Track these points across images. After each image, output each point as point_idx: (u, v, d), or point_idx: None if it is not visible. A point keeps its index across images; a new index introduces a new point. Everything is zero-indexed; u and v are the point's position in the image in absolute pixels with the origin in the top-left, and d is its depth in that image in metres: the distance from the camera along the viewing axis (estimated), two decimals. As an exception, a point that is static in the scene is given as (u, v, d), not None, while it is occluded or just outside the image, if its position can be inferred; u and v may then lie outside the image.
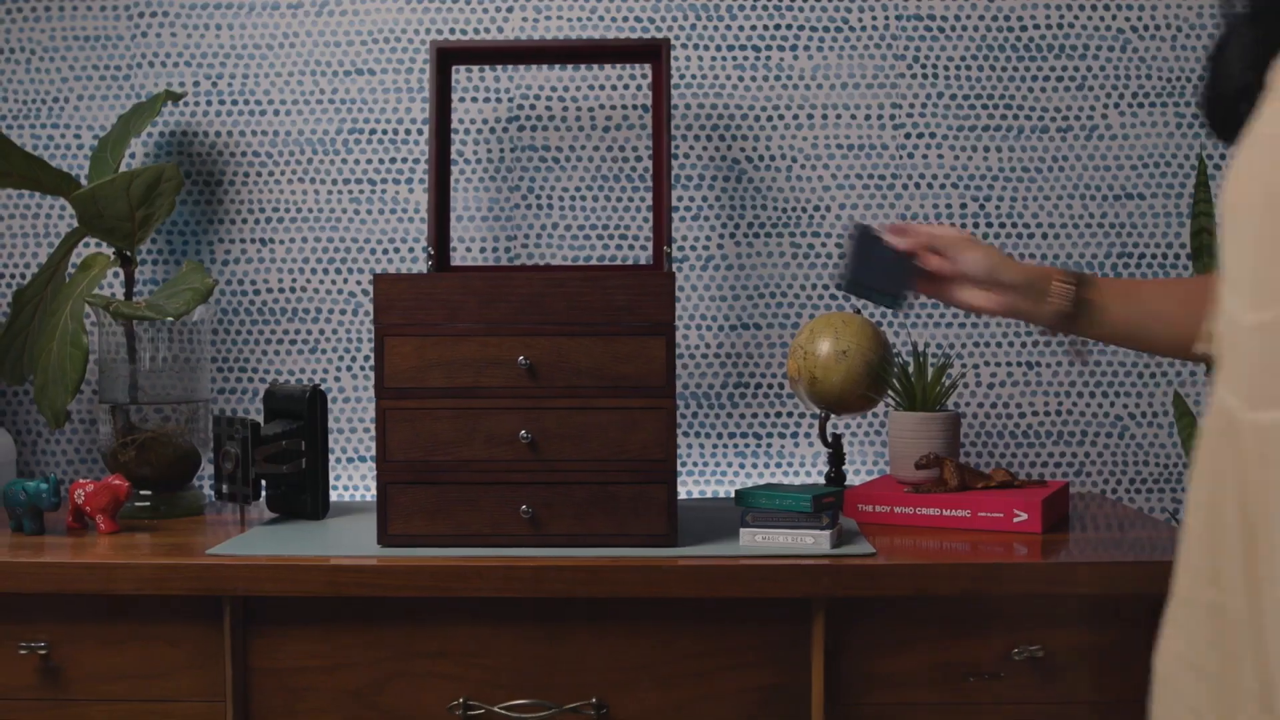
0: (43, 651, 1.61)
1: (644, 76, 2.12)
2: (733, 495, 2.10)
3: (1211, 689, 1.15)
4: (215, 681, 1.61)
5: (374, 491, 2.14)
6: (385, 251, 2.14)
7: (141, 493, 1.92)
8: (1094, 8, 2.12)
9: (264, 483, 1.87)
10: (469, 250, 2.13)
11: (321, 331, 2.15)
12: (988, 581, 1.55)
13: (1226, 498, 1.15)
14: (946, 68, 2.12)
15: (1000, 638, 1.58)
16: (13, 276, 2.16)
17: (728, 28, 2.12)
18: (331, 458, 2.12)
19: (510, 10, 2.13)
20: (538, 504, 1.65)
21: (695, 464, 2.13)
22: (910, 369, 1.92)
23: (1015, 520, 1.73)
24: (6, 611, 1.62)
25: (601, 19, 2.13)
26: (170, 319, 1.86)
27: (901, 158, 2.13)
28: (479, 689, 1.61)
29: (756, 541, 1.65)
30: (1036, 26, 2.12)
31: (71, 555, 1.64)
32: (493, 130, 2.13)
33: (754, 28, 2.12)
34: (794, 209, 2.13)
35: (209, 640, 1.61)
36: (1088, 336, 1.44)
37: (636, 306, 1.64)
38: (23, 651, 1.61)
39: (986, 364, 2.13)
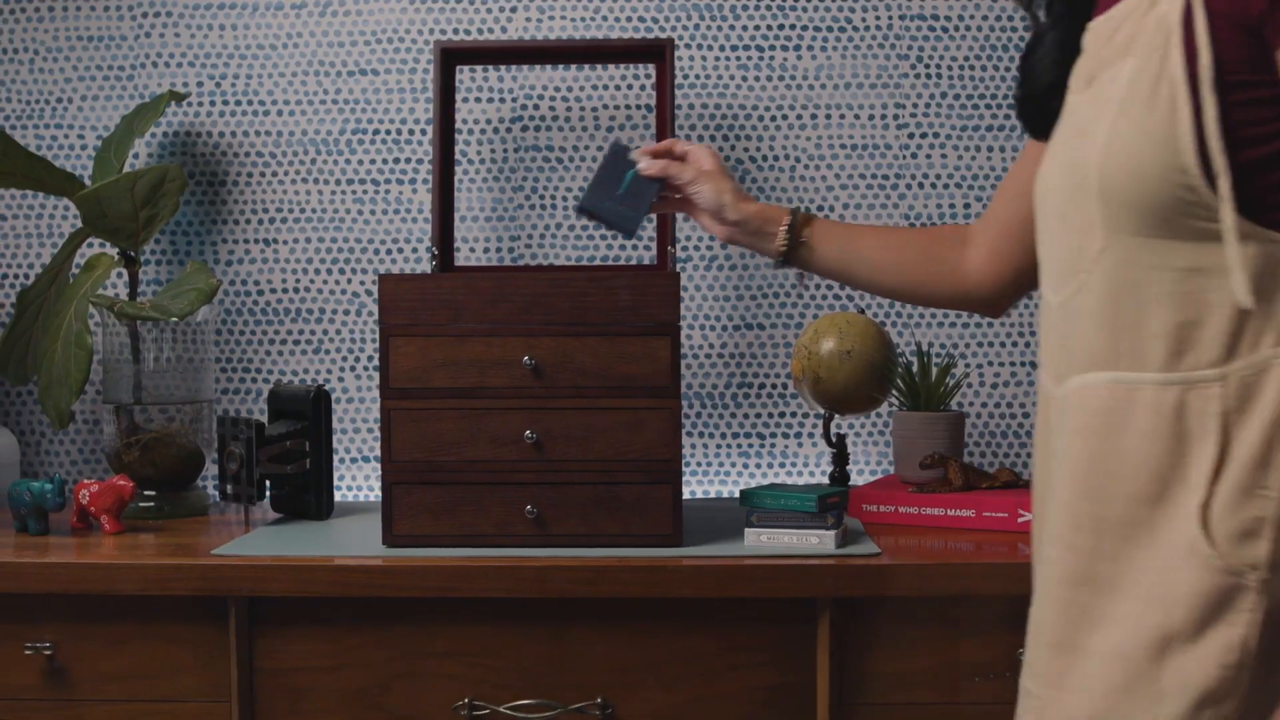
0: (48, 652, 1.61)
1: (648, 77, 2.12)
2: (736, 495, 2.10)
3: (1030, 638, 1.22)
4: (220, 682, 1.61)
5: (378, 492, 2.14)
6: (389, 252, 2.14)
7: (145, 493, 1.92)
8: (1098, 7, 2.12)
9: (268, 483, 1.87)
10: (472, 250, 2.13)
11: (325, 332, 2.15)
12: (993, 581, 1.55)
13: (1040, 465, 1.23)
14: (950, 68, 2.12)
15: (1005, 638, 1.58)
16: (16, 277, 2.16)
17: (731, 28, 2.12)
18: (335, 458, 2.12)
19: (514, 10, 2.13)
20: (543, 504, 1.65)
21: (699, 464, 2.13)
22: (914, 369, 1.92)
23: (1020, 520, 1.73)
24: (12, 612, 1.62)
25: (605, 19, 2.13)
26: (175, 319, 1.86)
27: (905, 158, 2.13)
28: (484, 689, 1.61)
29: (762, 542, 1.65)
30: (1040, 26, 2.12)
31: (77, 556, 1.64)
32: (496, 130, 2.13)
33: (757, 28, 2.12)
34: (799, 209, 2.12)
35: (214, 640, 1.61)
36: (807, 270, 1.56)
37: (641, 306, 1.64)
38: (28, 652, 1.61)
39: (990, 364, 2.13)
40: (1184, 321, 1.07)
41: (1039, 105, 1.27)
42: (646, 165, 1.55)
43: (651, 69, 2.11)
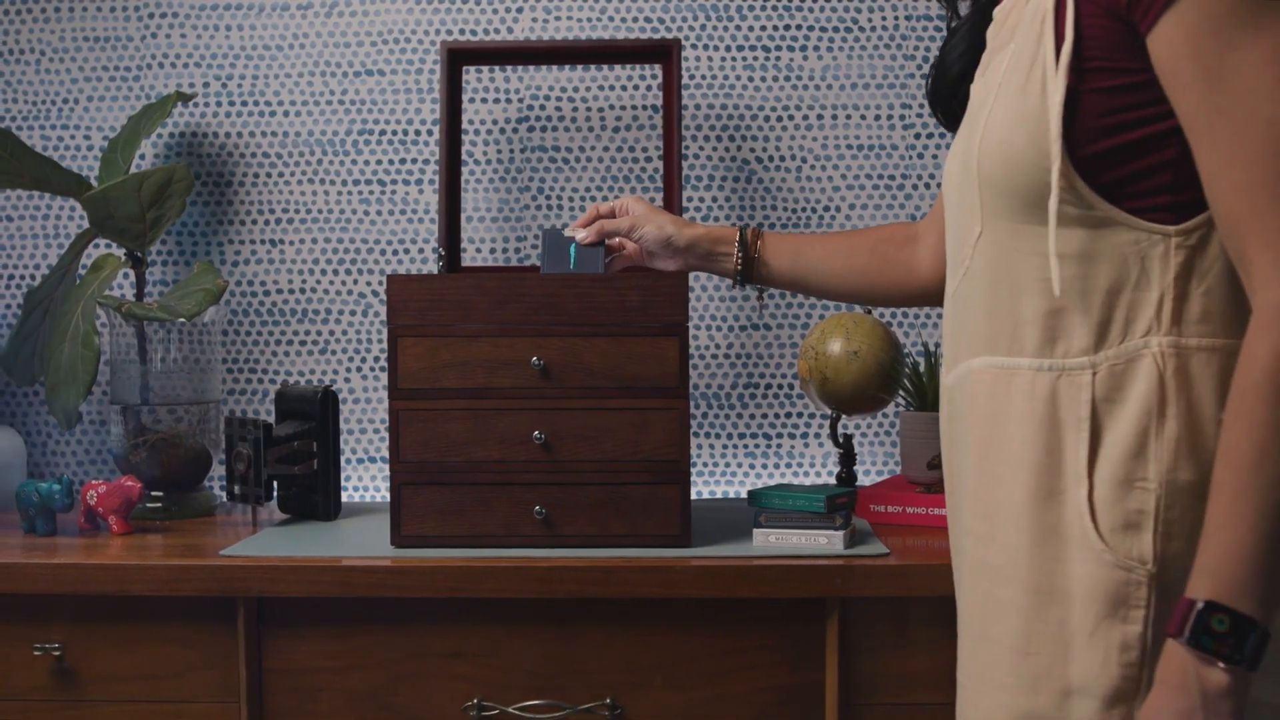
0: (56, 653, 1.61)
1: (654, 77, 2.12)
2: (742, 495, 2.10)
3: (959, 629, 1.23)
4: (229, 682, 1.61)
5: (384, 492, 2.14)
6: (395, 252, 2.14)
7: (152, 494, 1.92)
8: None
9: (276, 484, 1.87)
10: (479, 251, 2.13)
11: (331, 332, 2.15)
12: (1002, 582, 1.55)
13: (945, 454, 1.25)
14: (956, 68, 2.12)
15: (1014, 638, 1.57)
16: (21, 278, 2.16)
17: (737, 28, 2.12)
18: (341, 458, 2.12)
19: (520, 11, 2.13)
20: (551, 505, 1.65)
21: (705, 464, 2.13)
22: (921, 369, 1.92)
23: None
24: (21, 613, 1.62)
25: (611, 19, 2.13)
26: (182, 320, 1.86)
27: (911, 158, 2.13)
28: (493, 690, 1.61)
29: (770, 542, 1.65)
30: (1046, 26, 2.12)
31: (85, 556, 1.64)
32: (502, 131, 2.13)
33: (764, 28, 2.12)
34: (804, 209, 2.13)
35: (222, 641, 1.61)
36: (763, 285, 1.61)
37: (650, 307, 1.64)
38: (37, 653, 1.61)
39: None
40: (1052, 308, 1.08)
41: (947, 96, 1.28)
42: (583, 235, 1.64)
43: (658, 69, 2.11)
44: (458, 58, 1.98)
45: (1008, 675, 1.09)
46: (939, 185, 2.12)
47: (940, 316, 2.12)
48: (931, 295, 1.51)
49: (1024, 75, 1.07)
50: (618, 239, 1.65)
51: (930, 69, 1.32)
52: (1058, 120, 1.03)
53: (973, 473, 1.14)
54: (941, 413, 1.25)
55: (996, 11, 1.18)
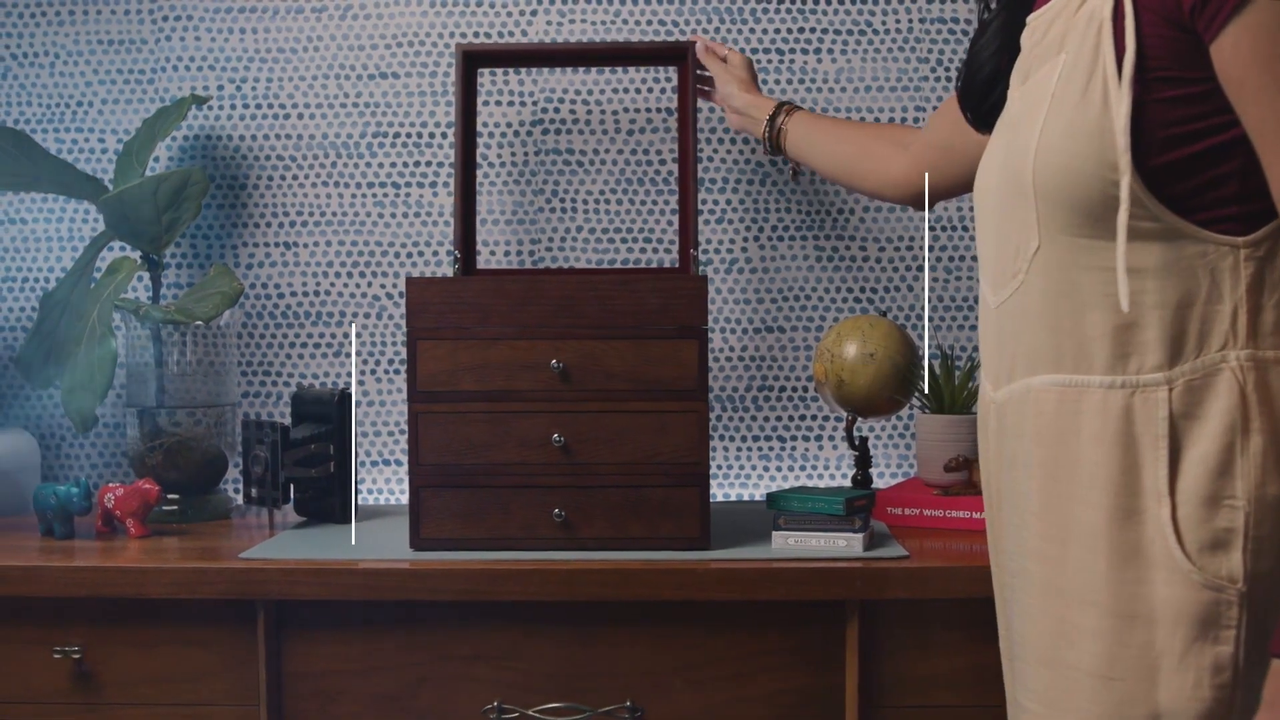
0: (76, 656, 1.61)
1: (668, 80, 2.12)
2: (757, 498, 2.10)
3: (1003, 651, 1.26)
4: (248, 685, 1.61)
5: (400, 495, 2.14)
6: (410, 255, 2.14)
7: (168, 496, 1.92)
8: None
9: (292, 486, 1.87)
10: (493, 254, 2.13)
11: (346, 335, 2.15)
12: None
13: (990, 471, 1.23)
14: (970, 71, 2.12)
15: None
16: (36, 280, 2.16)
17: (751, 30, 2.12)
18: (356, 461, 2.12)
19: (534, 14, 2.13)
20: (570, 507, 1.65)
21: (720, 467, 2.13)
22: (938, 372, 1.92)
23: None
24: (40, 616, 1.62)
25: (625, 22, 2.13)
26: (199, 322, 1.86)
27: (925, 161, 2.12)
28: (513, 692, 1.61)
29: (789, 544, 1.65)
30: (1060, 29, 2.12)
31: (104, 559, 1.64)
32: (516, 134, 2.14)
33: (778, 31, 2.12)
34: (818, 212, 2.13)
35: (242, 644, 1.61)
36: (791, 158, 1.85)
37: (669, 310, 1.64)
38: (56, 656, 1.61)
39: (1011, 366, 2.13)
40: (1122, 324, 1.06)
41: (979, 96, 1.26)
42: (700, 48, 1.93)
43: (673, 72, 2.11)
44: (473, 60, 1.98)
45: (1090, 702, 1.07)
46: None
47: (953, 320, 2.12)
48: (892, 196, 1.67)
49: (1082, 86, 1.05)
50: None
51: (960, 66, 1.31)
52: (1125, 133, 1.01)
53: (1037, 494, 1.11)
54: (985, 428, 1.22)
55: (1033, 19, 1.16)
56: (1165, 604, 1.03)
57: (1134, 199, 1.03)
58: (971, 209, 2.12)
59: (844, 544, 1.63)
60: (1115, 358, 1.06)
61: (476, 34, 2.13)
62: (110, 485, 1.80)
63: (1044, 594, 1.11)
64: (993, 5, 1.26)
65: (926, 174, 1.58)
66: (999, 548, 1.23)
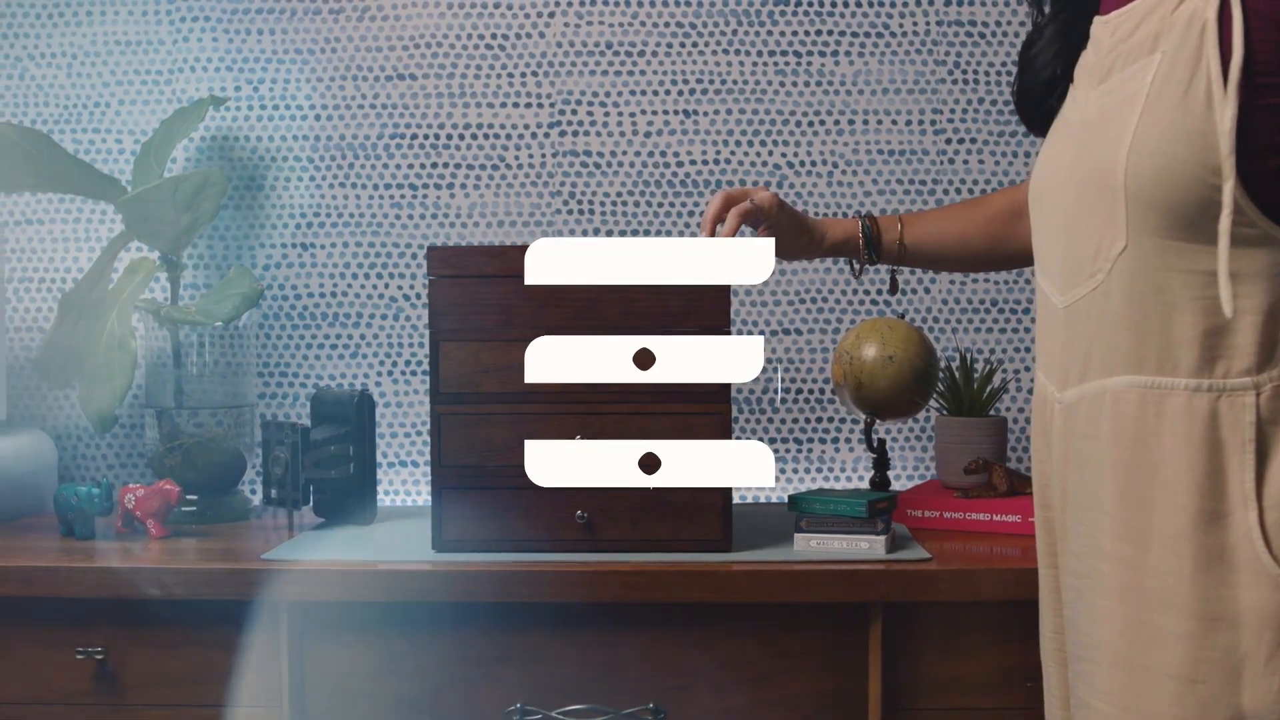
0: (99, 656, 1.61)
1: (685, 82, 2.12)
2: (776, 500, 2.10)
3: (1048, 653, 1.27)
4: (272, 686, 1.61)
5: (417, 497, 2.14)
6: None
7: (187, 497, 1.92)
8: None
9: (312, 487, 1.87)
10: (511, 255, 2.13)
11: (364, 336, 2.15)
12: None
13: (1047, 475, 1.22)
14: (987, 73, 2.12)
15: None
16: (54, 281, 2.16)
17: (769, 33, 2.13)
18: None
19: (552, 16, 2.13)
20: (593, 509, 1.65)
21: (737, 469, 2.13)
22: (957, 373, 1.93)
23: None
24: (64, 616, 1.62)
25: (644, 24, 2.13)
26: (219, 323, 1.86)
27: (942, 163, 2.13)
28: (536, 694, 1.61)
29: (811, 547, 1.65)
30: (1077, 32, 2.12)
31: (126, 560, 1.64)
32: (534, 135, 2.14)
33: (795, 33, 2.13)
34: (835, 214, 2.13)
35: (265, 645, 1.61)
36: (897, 262, 1.60)
37: (693, 312, 1.64)
38: (80, 656, 1.61)
39: (1029, 369, 2.13)
40: (1212, 328, 1.05)
41: (1038, 99, 1.25)
42: (725, 229, 1.54)
43: (690, 76, 2.11)
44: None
45: (1171, 705, 1.06)
46: (969, 190, 2.13)
47: (969, 322, 2.12)
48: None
49: (1182, 88, 1.03)
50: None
51: (1016, 67, 1.29)
52: (1230, 137, 1.00)
53: (1113, 495, 1.11)
54: (1046, 428, 1.22)
55: (1114, 17, 1.13)
56: (1251, 608, 1.02)
57: (1234, 203, 1.02)
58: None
59: (866, 546, 1.63)
60: (1203, 361, 1.06)
61: (494, 36, 2.13)
62: (131, 486, 1.80)
63: (1120, 596, 1.10)
64: (1046, 8, 1.25)
65: None
66: (1059, 549, 1.22)
